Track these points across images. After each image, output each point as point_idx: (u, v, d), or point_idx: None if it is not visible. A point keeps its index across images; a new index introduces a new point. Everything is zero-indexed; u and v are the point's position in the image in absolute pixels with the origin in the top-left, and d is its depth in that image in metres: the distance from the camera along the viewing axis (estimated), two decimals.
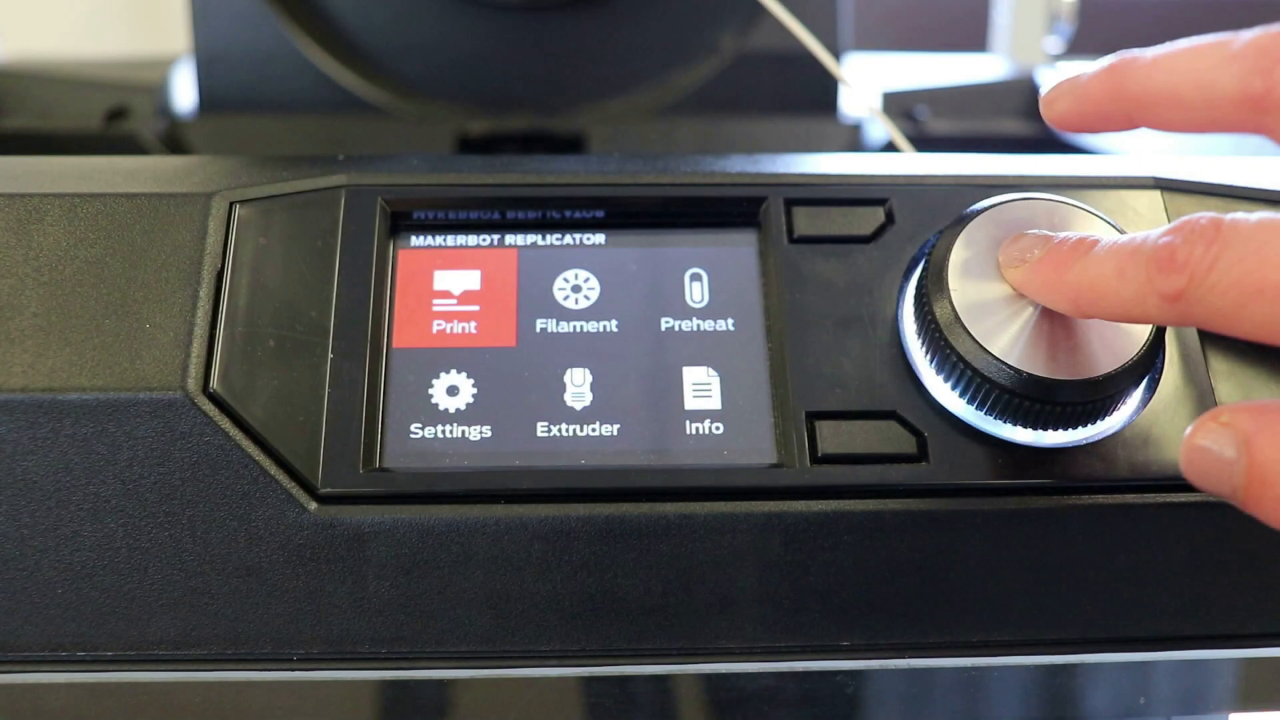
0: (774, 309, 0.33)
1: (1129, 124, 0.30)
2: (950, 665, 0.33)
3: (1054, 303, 0.30)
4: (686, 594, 0.31)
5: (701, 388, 0.33)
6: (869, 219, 0.34)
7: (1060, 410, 0.30)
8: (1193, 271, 0.26)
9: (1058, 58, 0.63)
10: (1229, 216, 0.26)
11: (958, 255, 0.31)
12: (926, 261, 0.32)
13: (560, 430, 0.32)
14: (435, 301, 0.34)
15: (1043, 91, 0.32)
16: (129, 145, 0.53)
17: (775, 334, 0.33)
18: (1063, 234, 0.30)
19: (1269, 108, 0.27)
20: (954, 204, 0.34)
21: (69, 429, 0.31)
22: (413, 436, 0.32)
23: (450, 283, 0.34)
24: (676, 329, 0.33)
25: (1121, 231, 0.32)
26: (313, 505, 0.31)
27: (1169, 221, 0.35)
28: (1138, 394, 0.32)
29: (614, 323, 0.34)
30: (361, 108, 0.52)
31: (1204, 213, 0.27)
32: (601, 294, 0.34)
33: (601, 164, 0.36)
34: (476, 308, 0.34)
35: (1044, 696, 0.35)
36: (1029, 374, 0.30)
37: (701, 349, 0.33)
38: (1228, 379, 0.33)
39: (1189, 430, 0.27)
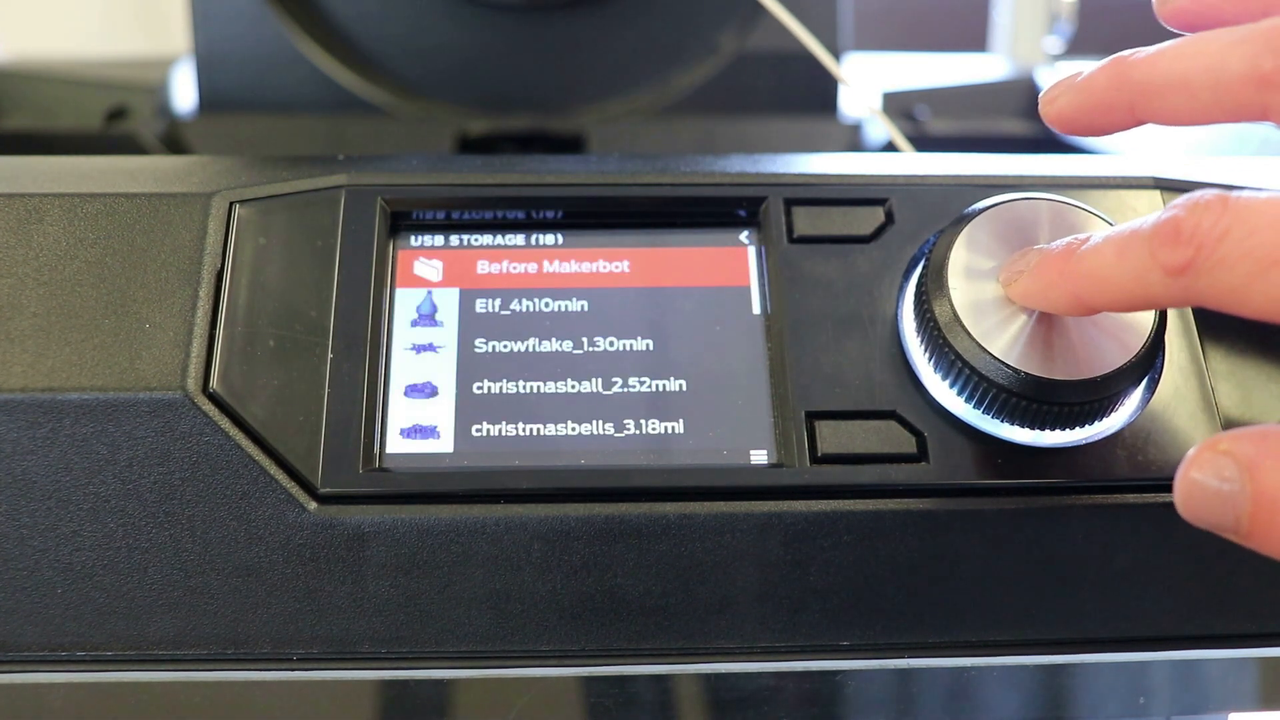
0: (773, 309, 0.33)
1: (1131, 117, 0.29)
2: (950, 665, 0.33)
3: (1056, 303, 0.29)
4: (686, 594, 0.31)
5: (701, 387, 0.33)
6: (869, 219, 0.34)
7: (1060, 410, 0.30)
8: (1200, 243, 0.25)
9: (1058, 58, 0.63)
10: (1235, 193, 0.25)
11: (957, 255, 0.31)
12: (926, 261, 0.32)
13: (560, 430, 0.32)
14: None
15: (1042, 92, 0.31)
16: (129, 145, 0.53)
17: (775, 334, 0.33)
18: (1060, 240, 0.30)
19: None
20: (954, 204, 0.34)
21: (69, 429, 0.31)
22: (412, 436, 0.32)
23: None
24: (676, 328, 0.33)
25: None
26: (312, 505, 0.31)
27: None
28: (1137, 394, 0.32)
29: (613, 322, 0.34)
30: (361, 108, 0.52)
31: (1208, 189, 0.26)
32: (601, 293, 0.34)
33: (601, 164, 0.36)
34: None
35: (1044, 697, 0.35)
36: (1028, 374, 0.30)
37: (701, 348, 0.33)
38: (1227, 379, 0.33)
39: (1184, 462, 0.26)
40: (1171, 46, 0.28)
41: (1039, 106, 0.31)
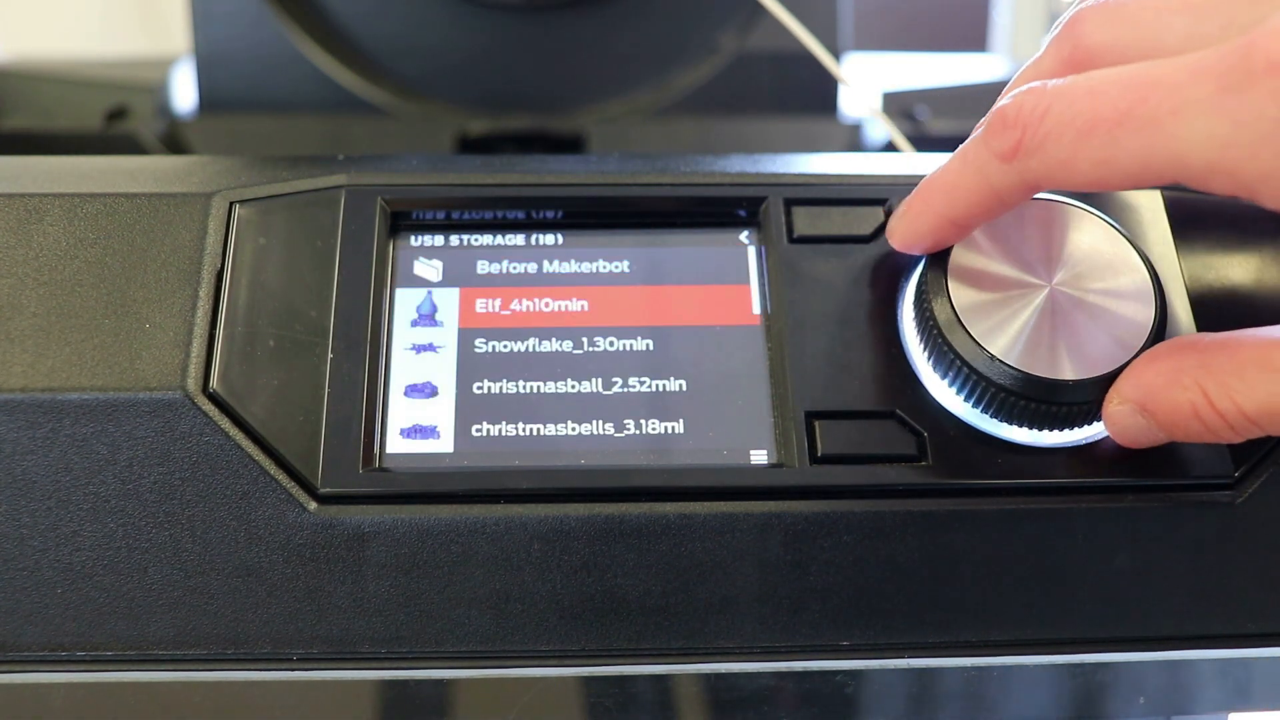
0: (773, 309, 0.33)
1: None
2: (950, 665, 0.33)
3: (929, 230, 0.31)
4: (686, 594, 0.31)
5: (701, 387, 0.33)
6: (869, 219, 0.34)
7: (1060, 410, 0.30)
8: (1025, 123, 0.27)
9: None
10: (1053, 80, 0.27)
11: (957, 255, 0.31)
12: (926, 261, 0.32)
13: (560, 430, 0.32)
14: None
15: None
16: (129, 145, 0.53)
17: (775, 334, 0.33)
18: None
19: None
20: None
21: (69, 429, 0.31)
22: (412, 436, 0.32)
23: None
24: (675, 328, 0.33)
25: (1122, 233, 0.32)
26: (313, 505, 0.31)
27: (1169, 223, 0.35)
28: None
29: (613, 322, 0.34)
30: (361, 108, 0.52)
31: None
32: (601, 293, 0.34)
33: (601, 164, 0.36)
34: None
35: (1043, 697, 0.35)
36: (1028, 374, 0.30)
37: (701, 348, 0.33)
38: None
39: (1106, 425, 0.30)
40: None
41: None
